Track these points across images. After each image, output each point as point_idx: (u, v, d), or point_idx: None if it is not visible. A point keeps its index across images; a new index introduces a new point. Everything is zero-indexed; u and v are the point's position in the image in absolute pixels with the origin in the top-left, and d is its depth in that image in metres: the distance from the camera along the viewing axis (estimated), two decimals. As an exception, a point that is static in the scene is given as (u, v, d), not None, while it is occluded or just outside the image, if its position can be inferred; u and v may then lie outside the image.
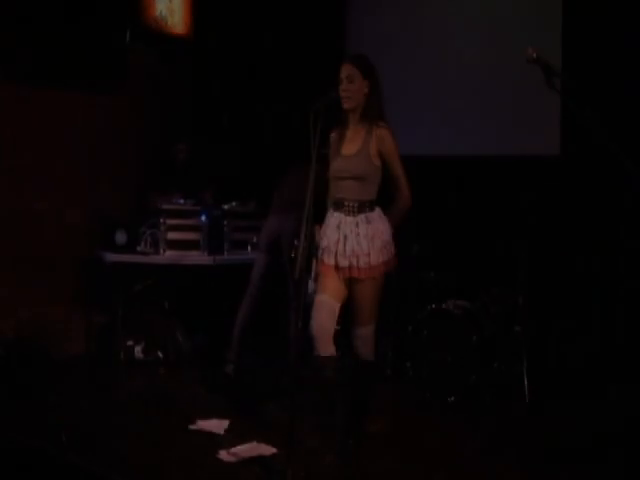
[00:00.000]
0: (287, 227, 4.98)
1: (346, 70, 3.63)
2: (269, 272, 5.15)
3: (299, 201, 4.93)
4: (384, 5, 6.28)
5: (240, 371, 5.11)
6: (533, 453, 3.97)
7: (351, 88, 3.61)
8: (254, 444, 3.90)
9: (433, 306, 5.00)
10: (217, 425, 4.16)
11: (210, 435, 4.04)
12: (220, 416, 4.32)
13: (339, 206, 3.67)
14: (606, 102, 4.88)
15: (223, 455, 3.74)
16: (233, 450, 3.78)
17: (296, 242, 4.92)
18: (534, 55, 2.64)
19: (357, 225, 3.60)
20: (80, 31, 5.59)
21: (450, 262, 5.48)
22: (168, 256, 5.50)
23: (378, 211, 3.67)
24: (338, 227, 3.64)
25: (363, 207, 3.62)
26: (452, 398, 4.77)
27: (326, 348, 3.59)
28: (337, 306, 3.67)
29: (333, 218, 3.69)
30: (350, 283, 3.67)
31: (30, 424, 4.08)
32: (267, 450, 3.82)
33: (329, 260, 3.63)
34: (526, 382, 4.79)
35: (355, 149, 3.65)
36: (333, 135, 3.78)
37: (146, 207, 5.77)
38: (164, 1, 6.40)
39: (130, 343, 5.58)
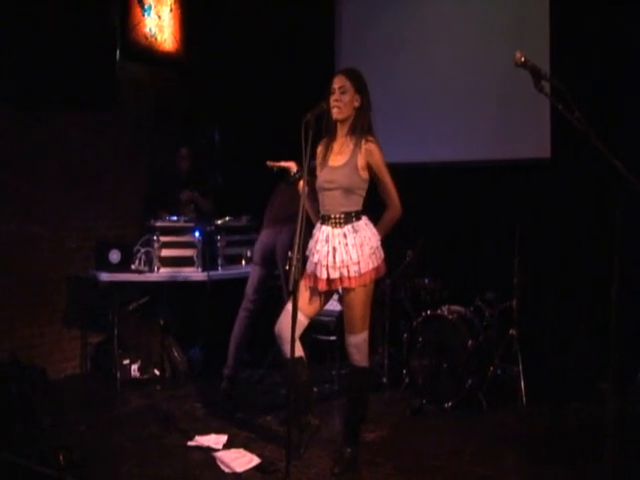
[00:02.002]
0: (281, 240, 4.98)
1: (339, 81, 3.67)
2: (263, 286, 5.13)
3: (292, 214, 4.95)
4: (373, 17, 6.31)
5: (236, 385, 5.09)
6: (531, 457, 3.98)
7: (343, 99, 3.65)
8: (246, 453, 3.94)
9: (428, 312, 5.01)
10: (215, 440, 4.16)
11: (209, 450, 4.02)
12: (218, 431, 4.32)
13: (326, 219, 3.71)
14: (595, 104, 4.91)
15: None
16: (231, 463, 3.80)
17: (290, 254, 4.92)
18: (522, 59, 2.64)
19: (345, 236, 3.62)
20: (70, 49, 5.58)
21: (444, 268, 5.49)
22: (162, 273, 5.48)
23: (364, 219, 3.70)
24: (327, 240, 3.66)
25: (349, 218, 3.65)
26: (449, 404, 4.77)
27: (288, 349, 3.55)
28: (305, 321, 3.73)
29: (320, 232, 3.72)
30: (342, 292, 3.71)
31: (27, 445, 4.05)
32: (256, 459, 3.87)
33: (321, 274, 3.65)
34: (522, 385, 4.80)
35: (343, 161, 3.68)
36: (320, 147, 3.82)
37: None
38: (154, 18, 6.43)
39: (126, 362, 5.55)
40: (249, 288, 5.11)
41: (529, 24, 5.54)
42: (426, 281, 5.36)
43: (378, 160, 3.65)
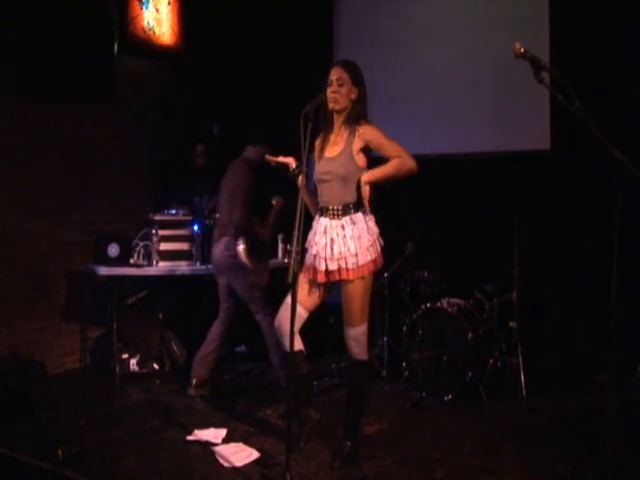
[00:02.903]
0: (215, 252, 4.97)
1: (337, 73, 3.67)
2: (229, 293, 5.02)
3: (224, 224, 4.87)
4: (372, 8, 6.29)
5: (220, 390, 5.07)
6: (531, 449, 3.96)
7: (341, 91, 3.64)
8: (245, 448, 3.94)
9: (427, 305, 5.00)
10: (214, 434, 4.15)
11: (208, 445, 4.02)
12: (217, 425, 4.32)
13: (324, 211, 3.70)
14: (595, 95, 4.88)
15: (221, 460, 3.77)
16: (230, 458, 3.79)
17: (289, 246, 4.91)
18: (521, 50, 2.62)
19: (343, 227, 3.62)
20: (68, 42, 5.56)
21: (443, 260, 5.48)
22: (161, 267, 5.45)
23: (362, 211, 3.66)
24: (325, 232, 3.66)
25: (347, 209, 3.64)
26: (449, 396, 4.76)
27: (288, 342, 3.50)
28: (305, 314, 3.73)
29: (319, 224, 3.72)
30: (341, 284, 3.68)
31: (26, 439, 4.04)
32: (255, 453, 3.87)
33: (319, 266, 3.64)
34: (522, 378, 4.78)
35: (338, 150, 3.68)
36: (318, 140, 3.80)
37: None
38: (152, 11, 6.40)
39: (125, 356, 5.54)
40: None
41: (528, 15, 5.51)
42: (425, 274, 5.35)
43: (375, 135, 3.62)
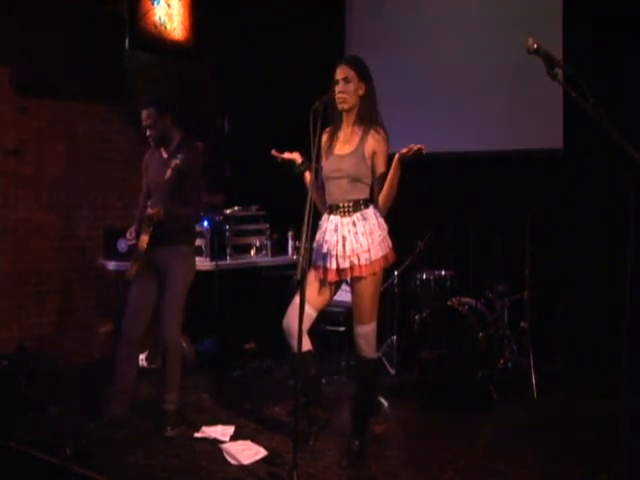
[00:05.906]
0: None
1: (343, 71, 3.62)
2: None
3: None
4: (384, 5, 6.26)
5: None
6: (542, 450, 3.93)
7: (348, 89, 3.60)
8: (253, 446, 3.93)
9: (438, 304, 4.96)
10: (222, 432, 4.14)
11: (215, 442, 4.00)
12: (225, 422, 4.30)
13: (334, 209, 3.67)
14: (608, 91, 4.84)
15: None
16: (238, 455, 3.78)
17: (298, 243, 4.88)
18: (534, 45, 2.59)
19: (354, 224, 3.59)
20: (78, 38, 5.57)
21: (454, 259, 5.45)
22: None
23: (372, 208, 3.65)
24: (336, 229, 3.63)
25: (358, 205, 3.61)
26: (459, 396, 4.72)
27: (294, 342, 3.49)
28: (314, 314, 3.70)
29: (329, 222, 3.68)
30: (351, 282, 3.66)
31: (34, 434, 4.03)
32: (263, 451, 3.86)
33: (330, 264, 3.61)
34: (533, 378, 4.75)
35: (350, 149, 3.64)
36: (325, 135, 3.75)
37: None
38: (163, 7, 6.39)
39: (134, 351, 5.53)
40: None
41: (541, 12, 5.46)
42: (436, 272, 5.31)
43: (382, 149, 3.59)
